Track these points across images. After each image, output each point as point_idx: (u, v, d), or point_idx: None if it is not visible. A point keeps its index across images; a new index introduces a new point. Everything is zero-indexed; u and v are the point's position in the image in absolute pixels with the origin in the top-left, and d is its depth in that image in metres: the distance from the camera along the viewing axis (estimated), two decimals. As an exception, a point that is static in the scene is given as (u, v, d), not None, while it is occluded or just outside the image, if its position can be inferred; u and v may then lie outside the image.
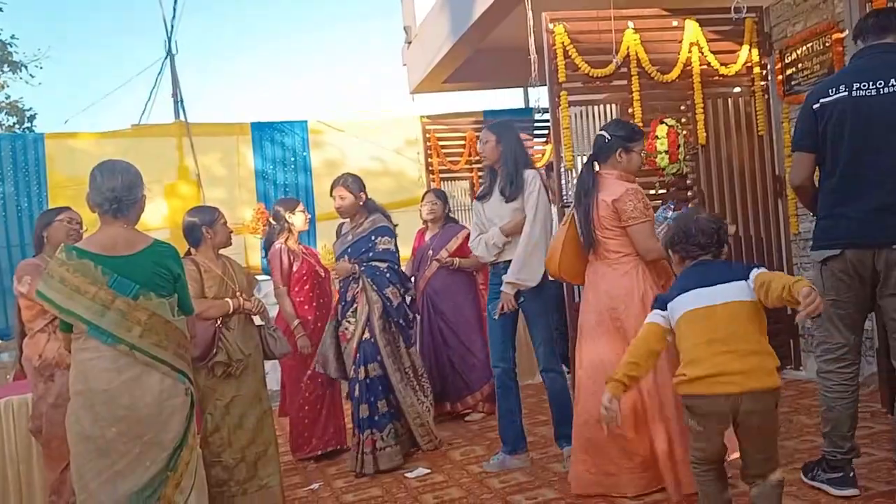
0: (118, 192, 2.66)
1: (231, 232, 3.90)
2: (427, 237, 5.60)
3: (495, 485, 3.77)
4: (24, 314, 3.52)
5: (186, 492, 2.61)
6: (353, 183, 4.46)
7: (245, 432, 3.69)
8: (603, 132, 3.51)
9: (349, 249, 4.44)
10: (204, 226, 3.77)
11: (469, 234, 5.46)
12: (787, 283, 2.27)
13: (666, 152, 4.90)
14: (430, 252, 5.46)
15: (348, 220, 4.58)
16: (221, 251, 3.88)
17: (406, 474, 4.15)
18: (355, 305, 4.37)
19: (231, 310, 3.64)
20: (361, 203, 4.49)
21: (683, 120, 5.26)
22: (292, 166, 7.76)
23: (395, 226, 4.62)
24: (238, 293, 3.74)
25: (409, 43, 9.43)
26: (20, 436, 3.72)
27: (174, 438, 2.60)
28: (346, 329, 4.38)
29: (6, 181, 6.92)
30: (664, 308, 2.52)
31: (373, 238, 4.42)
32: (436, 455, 4.51)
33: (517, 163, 3.87)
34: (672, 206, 3.80)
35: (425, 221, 5.64)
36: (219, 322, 3.61)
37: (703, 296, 2.43)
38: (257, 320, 3.95)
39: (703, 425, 2.40)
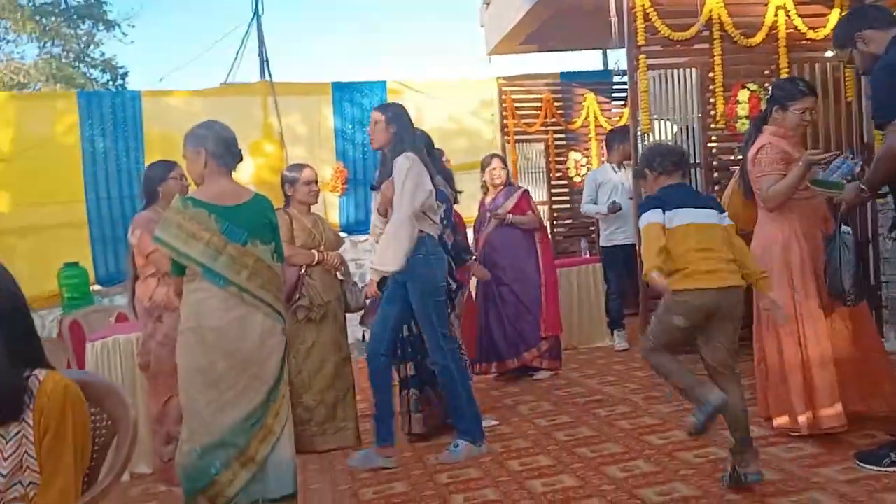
0: (232, 142, 2.93)
1: (310, 193, 4.22)
2: (487, 200, 5.63)
3: (560, 437, 3.92)
4: (137, 260, 3.82)
5: (283, 421, 2.86)
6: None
7: (324, 377, 4.06)
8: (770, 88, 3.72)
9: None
10: (286, 183, 4.23)
11: (526, 193, 5.59)
12: (755, 274, 2.96)
13: (747, 117, 4.85)
14: (488, 214, 5.51)
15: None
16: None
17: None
18: None
19: (315, 260, 4.08)
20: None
21: (767, 85, 5.17)
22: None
23: (460, 192, 4.59)
24: (322, 248, 4.16)
25: (488, 4, 9.43)
26: (125, 370, 4.08)
27: (274, 373, 2.84)
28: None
29: (106, 136, 7.35)
30: (664, 212, 2.97)
31: None
32: (504, 409, 4.68)
33: (394, 150, 3.73)
34: (851, 156, 3.67)
35: (487, 187, 5.61)
36: (303, 269, 4.05)
37: (694, 214, 2.96)
38: (340, 276, 4.25)
39: (690, 319, 2.89)
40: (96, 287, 7.17)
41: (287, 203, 4.26)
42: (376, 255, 3.79)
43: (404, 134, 3.75)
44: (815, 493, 2.83)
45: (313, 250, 4.12)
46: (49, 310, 6.91)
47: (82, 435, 1.68)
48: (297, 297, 4.03)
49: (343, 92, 7.89)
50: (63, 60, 18.44)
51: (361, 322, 4.52)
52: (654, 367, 3.07)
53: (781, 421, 3.47)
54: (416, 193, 3.63)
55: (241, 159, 3.01)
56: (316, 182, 4.32)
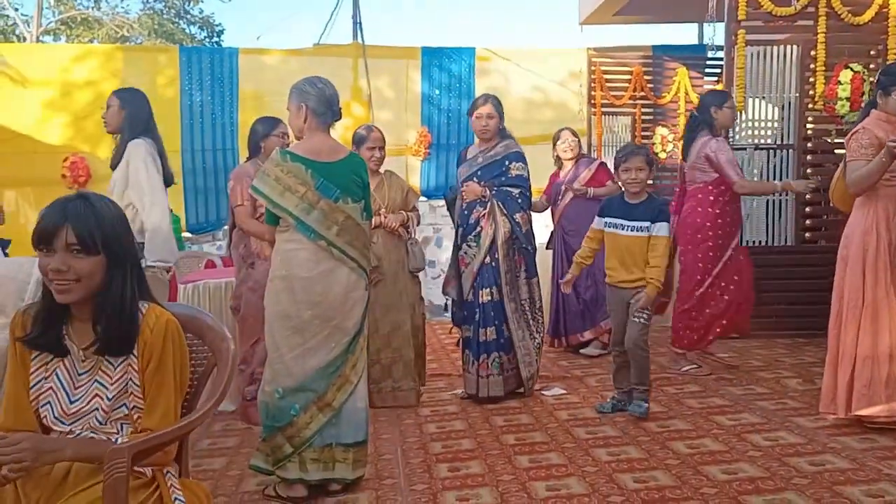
0: (334, 100, 3.02)
1: (371, 158, 4.09)
2: (561, 175, 5.59)
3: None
4: (234, 210, 3.99)
5: (360, 372, 3.00)
6: (499, 105, 4.37)
7: (379, 337, 4.16)
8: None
9: (479, 172, 4.31)
10: (355, 143, 4.22)
11: (603, 164, 5.51)
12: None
13: (847, 99, 4.68)
14: (563, 186, 5.47)
15: (476, 144, 4.44)
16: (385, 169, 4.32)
17: (543, 392, 4.40)
18: (478, 229, 4.25)
19: (373, 224, 3.89)
20: (501, 127, 4.36)
21: (872, 66, 4.95)
22: (457, 92, 7.98)
23: (520, 174, 4.48)
24: (381, 209, 4.18)
25: (583, -26, 9.25)
26: (213, 312, 4.31)
27: (355, 325, 2.97)
28: (466, 253, 4.30)
29: (203, 91, 7.64)
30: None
31: (506, 163, 4.29)
32: (572, 379, 4.73)
33: (125, 136, 3.73)
34: None
35: (560, 161, 5.58)
36: None
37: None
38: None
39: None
40: (186, 234, 7.51)
41: None
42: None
43: (136, 119, 3.77)
44: (885, 485, 2.79)
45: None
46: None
47: (181, 365, 1.80)
48: None
49: (432, 57, 7.93)
50: (164, 16, 19.08)
51: (443, 291, 4.57)
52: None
53: (861, 412, 3.41)
54: (145, 182, 3.67)
55: (340, 117, 3.09)
56: (381, 149, 4.25)
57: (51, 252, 1.67)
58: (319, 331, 2.90)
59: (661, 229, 3.72)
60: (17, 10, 17.39)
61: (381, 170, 4.36)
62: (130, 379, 1.76)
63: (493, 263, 4.23)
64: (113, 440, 1.72)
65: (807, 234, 5.65)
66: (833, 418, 3.54)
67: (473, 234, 4.28)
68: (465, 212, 4.33)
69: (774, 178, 5.59)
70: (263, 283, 3.09)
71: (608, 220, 3.86)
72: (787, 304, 5.60)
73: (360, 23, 8.25)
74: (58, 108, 7.49)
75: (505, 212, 4.23)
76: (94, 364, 1.77)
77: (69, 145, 7.46)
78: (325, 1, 36.58)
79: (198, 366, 1.93)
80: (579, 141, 5.59)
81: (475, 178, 4.31)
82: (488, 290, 4.23)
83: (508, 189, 4.28)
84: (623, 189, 3.97)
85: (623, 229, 3.79)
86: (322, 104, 2.99)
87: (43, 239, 1.67)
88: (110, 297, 1.72)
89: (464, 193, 4.33)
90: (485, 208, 4.26)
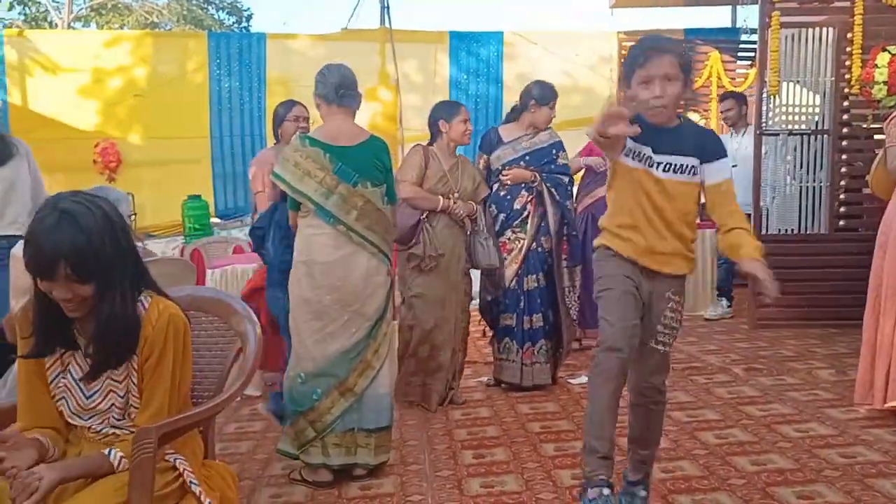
0: (342, 83, 3.00)
1: (465, 132, 3.84)
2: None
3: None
4: (255, 197, 4.02)
5: (382, 358, 2.99)
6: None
7: (421, 331, 3.86)
8: None
9: (527, 157, 4.18)
10: (440, 120, 3.84)
11: None
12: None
13: (885, 83, 4.56)
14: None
15: (513, 127, 4.28)
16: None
17: (569, 380, 4.37)
18: (525, 214, 4.16)
19: (439, 207, 3.76)
20: None
21: (911, 49, 4.82)
22: (485, 77, 7.95)
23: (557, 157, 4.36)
24: (453, 195, 3.80)
25: (614, -45, 9.11)
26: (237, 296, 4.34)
27: (377, 311, 2.96)
28: (510, 239, 4.16)
29: (232, 76, 7.69)
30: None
31: (553, 152, 4.22)
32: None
33: None
34: None
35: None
36: (424, 215, 3.76)
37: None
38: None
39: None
40: (215, 220, 7.59)
41: (431, 141, 3.93)
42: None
43: None
44: (919, 478, 2.73)
45: (440, 196, 3.78)
46: (171, 238, 7.39)
47: (182, 361, 1.77)
48: (413, 242, 3.77)
49: (460, 41, 7.91)
50: (193, 2, 19.20)
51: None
52: None
53: (893, 402, 3.34)
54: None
55: (356, 99, 3.04)
56: (467, 121, 3.92)
57: (51, 283, 1.64)
58: (339, 315, 2.90)
59: (724, 169, 2.31)
60: (48, -3, 17.60)
61: (454, 154, 3.95)
62: (131, 378, 1.75)
63: (540, 249, 4.18)
64: (107, 452, 1.68)
65: (840, 222, 5.53)
66: (866, 410, 3.47)
67: (519, 219, 4.17)
68: (508, 197, 4.19)
69: (812, 164, 5.46)
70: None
71: (633, 146, 2.23)
72: (819, 293, 5.49)
73: (388, 7, 8.23)
74: (89, 94, 7.60)
75: (557, 198, 4.18)
76: None
77: (100, 131, 7.58)
78: (353, -17, 36.46)
79: (224, 348, 1.94)
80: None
81: (522, 164, 4.18)
82: (534, 276, 4.16)
83: (558, 176, 4.21)
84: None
85: (657, 168, 2.24)
86: (328, 89, 2.99)
87: (39, 274, 1.64)
88: (114, 306, 1.69)
89: (506, 178, 4.16)
90: (531, 193, 4.16)
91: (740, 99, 6.08)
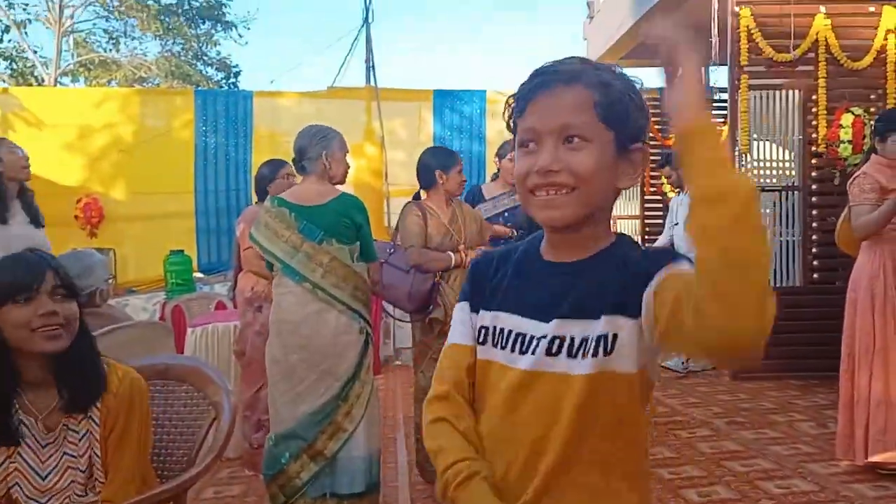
0: (300, 151, 3.07)
1: (463, 181, 3.66)
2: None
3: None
4: (242, 253, 4.04)
5: (356, 421, 2.92)
6: None
7: None
8: None
9: (506, 213, 4.16)
10: (438, 169, 3.54)
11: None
12: None
13: (849, 142, 4.71)
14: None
15: (495, 184, 4.28)
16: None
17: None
18: None
19: (452, 264, 3.46)
20: None
21: (872, 110, 4.99)
22: (468, 134, 8.08)
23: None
24: (462, 245, 3.50)
25: (592, 18, 9.42)
26: (221, 356, 4.33)
27: (347, 371, 2.92)
28: None
29: (218, 132, 7.77)
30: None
31: None
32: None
33: None
34: None
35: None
36: (438, 276, 3.47)
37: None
38: None
39: None
40: (198, 274, 7.56)
41: (417, 196, 3.64)
42: None
43: None
44: (896, 536, 2.74)
45: (450, 252, 3.46)
46: (153, 293, 7.34)
47: (145, 427, 1.73)
48: (431, 307, 3.45)
49: (444, 99, 8.05)
50: (182, 58, 19.45)
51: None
52: None
53: (876, 458, 3.37)
54: None
55: (316, 164, 3.03)
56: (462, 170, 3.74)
57: (30, 300, 1.59)
58: (307, 375, 2.88)
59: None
60: (35, 52, 17.77)
61: (449, 203, 3.65)
62: (93, 449, 1.68)
63: None
64: None
65: (815, 275, 5.63)
66: (846, 465, 3.49)
67: None
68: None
69: (785, 219, 5.58)
70: (269, 327, 3.09)
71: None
72: (798, 344, 5.55)
73: (374, 66, 8.39)
74: (74, 151, 7.63)
75: None
76: (59, 435, 1.68)
77: (84, 186, 7.59)
78: (341, 45, 37.28)
79: (198, 418, 1.95)
80: None
81: (501, 220, 4.16)
82: None
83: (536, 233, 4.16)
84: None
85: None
86: (298, 154, 3.08)
87: (24, 287, 1.59)
88: (84, 344, 1.67)
89: (491, 232, 4.01)
90: None
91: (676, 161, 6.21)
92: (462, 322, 1.19)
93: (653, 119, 7.83)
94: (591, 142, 1.06)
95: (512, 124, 1.15)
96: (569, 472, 1.06)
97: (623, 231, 1.27)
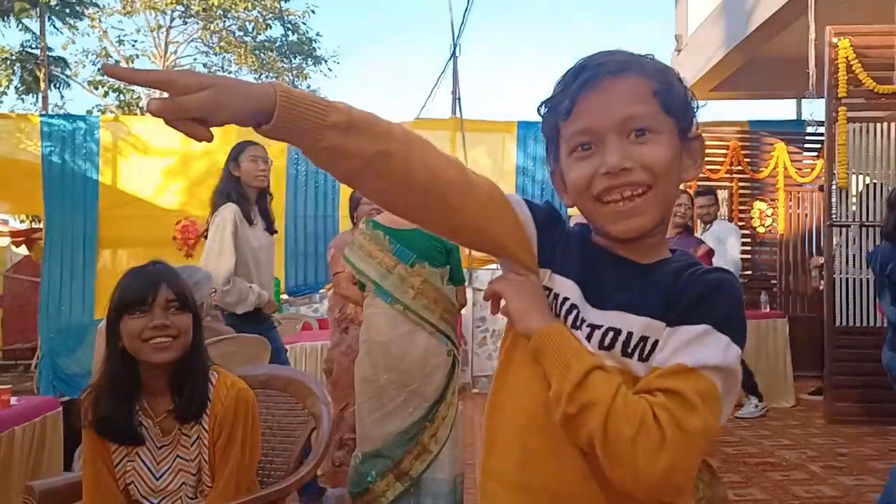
0: None
1: None
2: None
3: (729, 496, 3.78)
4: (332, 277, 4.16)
5: (441, 442, 2.96)
6: None
7: None
8: None
9: None
10: None
11: (709, 251, 4.71)
12: None
13: (956, 177, 4.49)
14: None
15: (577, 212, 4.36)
16: None
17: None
18: None
19: None
20: None
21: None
22: (551, 164, 8.10)
23: None
24: None
25: (679, 51, 9.34)
26: (308, 373, 4.44)
27: (434, 392, 2.96)
28: None
29: (308, 161, 8.01)
30: None
31: None
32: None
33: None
34: None
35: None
36: None
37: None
38: None
39: None
40: (284, 296, 7.80)
41: None
42: None
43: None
44: None
45: None
46: (244, 314, 7.58)
47: (252, 440, 1.78)
48: None
49: (528, 130, 8.09)
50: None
51: None
52: None
53: None
54: None
55: None
56: None
57: (146, 313, 1.68)
58: (396, 395, 2.93)
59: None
60: (142, 84, 18.82)
61: None
62: (203, 455, 1.75)
63: None
64: None
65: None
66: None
67: None
68: None
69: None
70: (356, 347, 3.19)
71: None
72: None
73: (460, 98, 8.55)
74: (176, 175, 8.03)
75: None
76: (174, 439, 1.77)
77: (183, 210, 7.96)
78: (426, 76, 38.07)
79: (297, 428, 2.01)
80: (692, 207, 4.81)
81: None
82: None
83: None
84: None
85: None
86: None
87: (139, 300, 1.69)
88: (197, 356, 1.76)
89: None
90: None
91: (714, 194, 6.01)
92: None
93: (742, 153, 7.69)
94: (660, 132, 0.95)
95: (550, 132, 1.04)
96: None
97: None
